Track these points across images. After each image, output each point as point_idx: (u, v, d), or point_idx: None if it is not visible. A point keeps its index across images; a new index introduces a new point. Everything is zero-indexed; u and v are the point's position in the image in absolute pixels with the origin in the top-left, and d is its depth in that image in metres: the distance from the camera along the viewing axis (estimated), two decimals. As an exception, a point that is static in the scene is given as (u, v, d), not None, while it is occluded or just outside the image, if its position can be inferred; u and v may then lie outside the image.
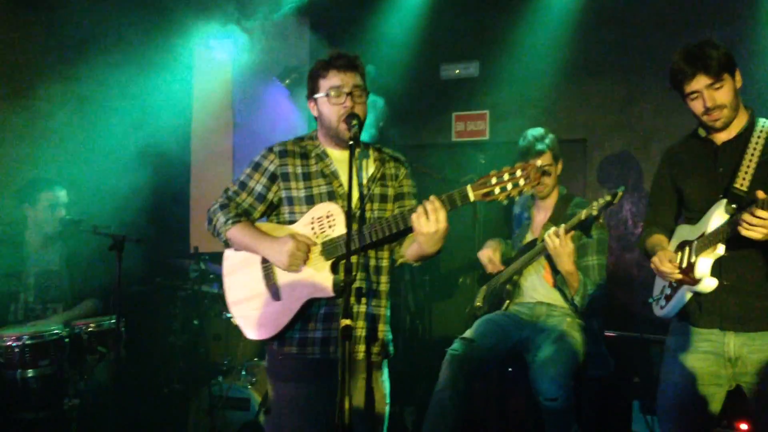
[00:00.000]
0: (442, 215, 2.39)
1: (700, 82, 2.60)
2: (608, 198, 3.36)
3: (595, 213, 3.40)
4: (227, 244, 2.77)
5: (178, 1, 5.08)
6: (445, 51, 5.67)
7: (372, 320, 2.67)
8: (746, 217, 2.37)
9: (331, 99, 2.61)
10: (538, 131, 3.78)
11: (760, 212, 2.33)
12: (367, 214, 2.69)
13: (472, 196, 2.38)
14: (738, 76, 2.64)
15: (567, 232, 3.47)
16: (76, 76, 4.75)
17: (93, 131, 4.72)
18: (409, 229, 2.50)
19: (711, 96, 2.60)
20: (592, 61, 5.11)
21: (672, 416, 2.78)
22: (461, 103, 5.63)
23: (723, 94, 2.60)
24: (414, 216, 2.41)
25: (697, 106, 2.65)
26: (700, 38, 2.69)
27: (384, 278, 2.73)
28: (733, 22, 4.60)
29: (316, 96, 2.67)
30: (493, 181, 2.36)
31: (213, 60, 5.54)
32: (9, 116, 4.44)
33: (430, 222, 2.38)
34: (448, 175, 3.70)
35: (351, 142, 2.47)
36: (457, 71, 5.69)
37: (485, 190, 2.37)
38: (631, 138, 5.01)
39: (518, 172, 2.34)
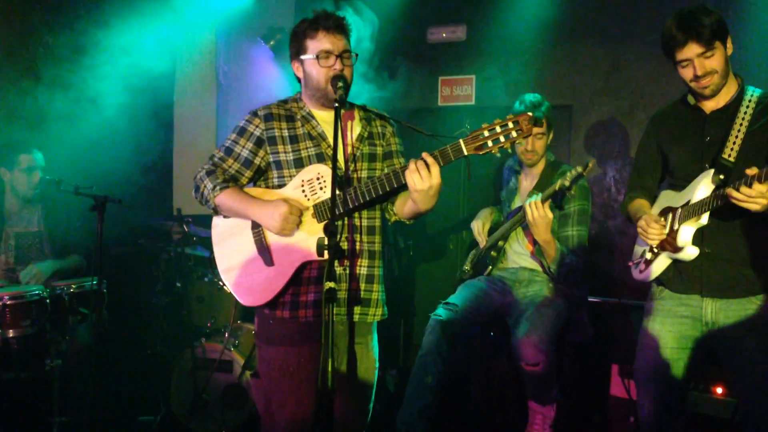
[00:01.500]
0: (435, 171, 2.38)
1: (692, 50, 2.59)
2: (579, 169, 3.40)
3: (567, 184, 3.43)
4: (216, 212, 2.73)
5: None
6: (432, 14, 5.60)
7: (366, 280, 2.67)
8: (730, 191, 2.39)
9: (320, 61, 2.57)
10: (536, 97, 3.77)
11: (745, 189, 2.35)
12: (357, 174, 2.67)
13: (465, 150, 2.38)
14: (729, 44, 2.63)
15: (546, 198, 3.49)
16: (55, 36, 4.66)
17: (74, 92, 4.64)
18: (401, 187, 2.49)
19: (701, 64, 2.60)
20: (579, 26, 5.07)
21: (648, 378, 2.84)
22: (448, 68, 5.58)
23: (714, 62, 2.59)
24: (407, 172, 2.40)
25: (687, 74, 2.65)
26: (692, 3, 2.67)
27: (377, 238, 2.72)
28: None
29: (303, 57, 2.62)
30: (486, 133, 2.35)
31: (196, 20, 5.44)
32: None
33: (423, 178, 2.38)
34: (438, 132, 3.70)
35: (336, 105, 2.44)
36: (444, 35, 5.63)
37: (478, 143, 2.36)
38: (617, 104, 5.00)
39: (510, 124, 2.35)
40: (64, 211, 4.16)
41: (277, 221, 2.53)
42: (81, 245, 4.17)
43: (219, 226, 2.77)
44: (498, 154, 2.39)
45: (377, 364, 2.77)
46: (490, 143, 2.35)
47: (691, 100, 2.79)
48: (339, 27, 2.61)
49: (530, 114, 2.36)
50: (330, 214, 2.34)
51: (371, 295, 2.69)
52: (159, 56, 5.07)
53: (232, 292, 2.73)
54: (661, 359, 2.77)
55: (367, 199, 2.53)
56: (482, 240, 3.97)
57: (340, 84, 2.50)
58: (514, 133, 2.34)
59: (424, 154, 2.40)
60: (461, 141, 2.38)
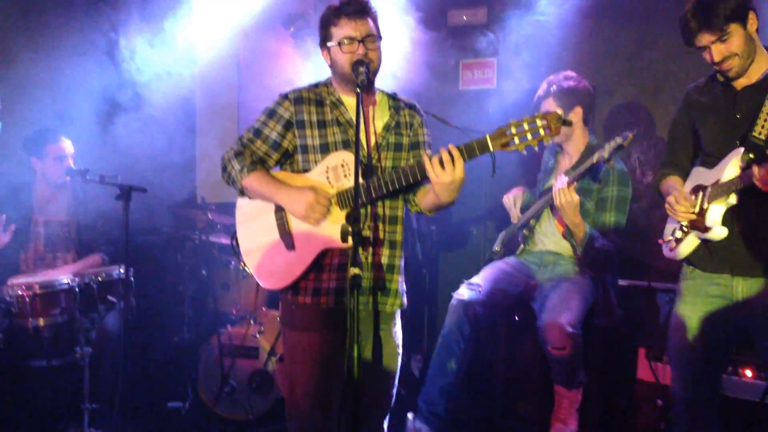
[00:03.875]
0: (459, 165, 2.36)
1: (705, 38, 2.58)
2: (619, 141, 3.31)
3: (606, 156, 3.35)
4: (242, 193, 2.74)
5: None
6: (452, -3, 5.56)
7: (387, 270, 2.67)
8: (758, 171, 2.36)
9: (344, 47, 2.57)
10: (553, 76, 3.74)
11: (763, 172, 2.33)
12: (381, 163, 2.66)
13: (491, 146, 2.35)
14: (752, 20, 2.58)
15: (572, 181, 3.44)
16: (80, 25, 4.69)
17: (97, 81, 4.68)
18: (425, 179, 2.47)
19: (718, 49, 2.58)
20: (602, 7, 4.99)
21: (680, 358, 2.83)
22: (469, 51, 5.53)
23: (731, 45, 2.57)
24: (430, 165, 2.38)
25: (707, 58, 2.64)
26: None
27: (398, 228, 2.72)
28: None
29: (329, 45, 2.62)
30: (513, 130, 2.33)
31: (218, 7, 5.45)
32: (15, 68, 4.39)
33: (446, 171, 2.36)
34: (465, 124, 3.69)
35: (358, 90, 2.43)
36: (465, 17, 5.58)
37: (505, 140, 2.34)
38: (641, 86, 4.93)
39: (539, 122, 2.31)
40: (90, 201, 4.20)
41: (303, 207, 2.54)
42: (107, 235, 4.21)
43: (243, 207, 2.78)
44: (524, 152, 2.37)
45: (400, 350, 2.78)
46: (517, 140, 2.33)
47: (720, 77, 2.75)
48: (362, 11, 2.59)
49: (559, 113, 2.33)
50: (353, 201, 2.34)
51: (391, 285, 2.69)
52: (180, 43, 5.09)
53: (253, 274, 2.75)
54: (692, 339, 2.76)
55: (390, 189, 2.52)
56: (515, 214, 3.93)
57: (362, 69, 2.49)
58: (542, 131, 2.31)
59: (450, 147, 2.38)
60: (488, 136, 2.36)
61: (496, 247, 4.02)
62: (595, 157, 3.39)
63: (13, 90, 4.39)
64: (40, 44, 4.63)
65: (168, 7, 4.92)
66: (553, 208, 3.67)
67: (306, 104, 2.68)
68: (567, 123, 2.38)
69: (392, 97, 2.78)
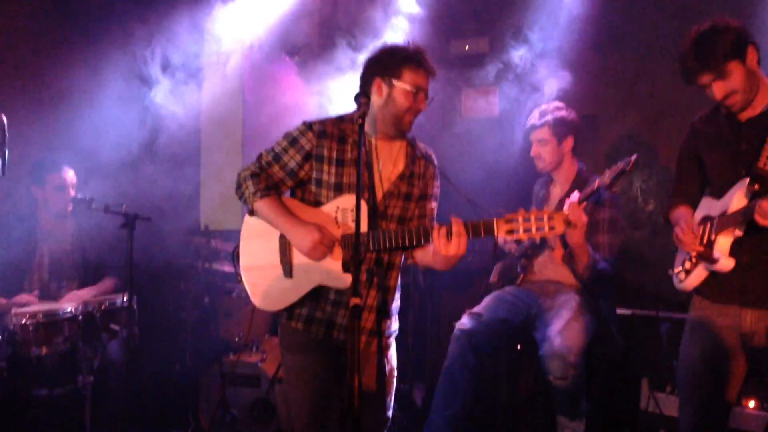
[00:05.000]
0: (462, 242, 2.42)
1: (706, 77, 2.60)
2: (621, 165, 3.31)
3: (608, 181, 3.36)
4: (252, 213, 2.78)
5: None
6: (454, 27, 5.62)
7: (377, 312, 2.71)
8: (764, 205, 2.37)
9: (412, 94, 2.64)
10: (545, 106, 3.80)
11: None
12: (390, 211, 2.71)
13: (497, 231, 2.41)
14: (752, 54, 2.59)
15: (580, 202, 3.43)
16: (85, 52, 4.74)
17: (103, 109, 4.72)
18: (427, 244, 2.55)
19: (719, 87, 2.59)
20: (603, 37, 5.04)
21: (689, 389, 2.81)
22: (471, 80, 5.58)
23: (731, 83, 2.58)
24: (436, 235, 2.44)
25: (710, 95, 2.65)
26: (712, 14, 2.66)
27: (394, 274, 2.78)
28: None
29: (397, 83, 2.65)
30: (520, 220, 2.39)
31: (223, 36, 5.52)
32: (22, 96, 4.44)
33: (451, 245, 2.42)
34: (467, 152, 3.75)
35: (360, 121, 2.46)
36: (467, 47, 5.64)
37: (510, 228, 2.40)
38: (641, 115, 4.96)
39: (545, 218, 2.37)
40: (95, 229, 4.23)
41: (307, 245, 2.59)
42: (112, 263, 4.23)
43: (251, 223, 2.83)
44: (525, 241, 2.44)
45: (395, 373, 2.81)
46: (521, 231, 2.39)
47: (724, 108, 2.76)
48: (432, 71, 2.71)
49: (567, 215, 2.39)
50: (365, 246, 2.46)
51: (381, 326, 2.74)
52: (185, 73, 5.15)
53: (247, 290, 2.80)
54: (701, 369, 2.76)
55: (392, 246, 2.57)
56: (511, 248, 3.94)
57: (363, 101, 2.51)
58: (546, 229, 2.37)
59: (458, 222, 2.43)
60: (495, 221, 2.41)
61: (493, 279, 4.04)
62: (596, 183, 3.40)
63: (23, 120, 4.43)
64: (62, 75, 4.67)
65: (175, 33, 4.98)
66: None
67: (329, 139, 2.70)
68: (571, 225, 2.45)
69: (411, 143, 2.83)
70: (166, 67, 4.89)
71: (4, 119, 2.95)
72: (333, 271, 2.59)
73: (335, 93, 4.87)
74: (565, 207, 3.42)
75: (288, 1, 5.60)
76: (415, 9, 5.44)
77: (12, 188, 4.25)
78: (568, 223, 2.38)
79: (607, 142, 5.06)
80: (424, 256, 2.72)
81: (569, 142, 3.82)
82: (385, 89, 2.67)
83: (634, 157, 3.23)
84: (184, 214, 5.32)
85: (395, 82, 2.65)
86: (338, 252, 2.62)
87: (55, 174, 4.10)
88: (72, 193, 4.11)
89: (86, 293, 4.02)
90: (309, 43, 6.00)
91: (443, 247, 2.42)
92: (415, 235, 2.52)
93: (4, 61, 4.41)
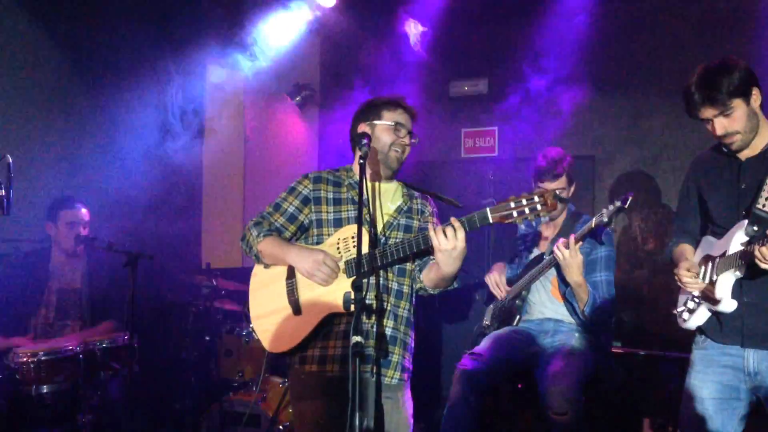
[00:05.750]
0: (461, 234, 2.49)
1: (708, 112, 2.63)
2: (618, 204, 3.36)
3: (605, 220, 3.40)
4: (258, 259, 2.88)
5: (191, 20, 5.15)
6: (453, 68, 5.72)
7: (389, 341, 2.74)
8: (762, 251, 2.39)
9: (395, 131, 2.82)
10: (557, 153, 3.80)
11: (764, 250, 2.36)
12: (391, 241, 2.80)
13: (491, 218, 2.49)
14: (755, 95, 2.63)
15: (577, 242, 3.47)
16: (93, 97, 4.81)
17: (107, 147, 4.77)
18: (429, 250, 2.59)
19: (721, 124, 2.63)
20: (600, 76, 5.13)
21: (694, 429, 2.78)
22: (470, 120, 5.66)
23: (734, 121, 2.62)
24: (433, 233, 2.52)
25: (711, 131, 2.69)
26: (711, 55, 2.71)
27: (403, 303, 2.82)
28: (746, 35, 4.58)
29: (377, 122, 2.84)
30: (512, 205, 2.46)
31: (224, 77, 5.60)
32: (37, 136, 4.48)
33: (449, 239, 2.48)
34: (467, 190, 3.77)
35: (362, 161, 2.62)
36: (466, 88, 5.73)
37: (504, 213, 2.47)
38: (640, 154, 5.02)
39: (536, 198, 2.45)
40: (101, 268, 4.24)
41: (310, 264, 2.67)
42: (116, 302, 4.23)
43: (258, 275, 2.94)
44: (522, 225, 2.49)
45: (410, 421, 2.80)
46: (515, 214, 2.46)
47: (724, 147, 2.78)
48: (414, 115, 2.91)
49: (556, 192, 2.44)
50: (365, 266, 2.49)
51: (392, 357, 2.76)
52: (187, 114, 5.22)
53: (259, 338, 2.86)
54: (704, 410, 2.74)
55: (395, 258, 2.63)
56: (500, 291, 3.96)
57: (365, 141, 2.69)
58: (538, 207, 2.44)
59: (452, 219, 2.52)
60: (488, 209, 2.49)
61: (486, 322, 4.05)
62: (594, 222, 3.43)
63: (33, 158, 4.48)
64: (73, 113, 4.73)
65: (181, 76, 5.06)
66: (557, 269, 3.68)
67: (324, 183, 2.90)
68: (563, 200, 2.51)
69: (408, 186, 3.00)
70: (163, 103, 4.96)
71: (10, 159, 3.00)
72: (339, 296, 2.62)
73: (335, 134, 4.95)
74: (555, 249, 3.47)
75: (290, 43, 5.70)
76: (415, 52, 5.56)
77: (30, 225, 4.27)
78: (557, 197, 2.45)
79: (606, 181, 5.11)
80: (429, 270, 2.80)
81: (574, 187, 3.89)
82: (368, 130, 2.86)
83: (630, 195, 3.29)
84: (186, 252, 5.34)
85: (376, 122, 2.85)
86: (343, 280, 2.68)
87: (69, 210, 4.14)
88: (83, 230, 4.14)
89: (86, 335, 4.02)
90: (310, 84, 6.10)
91: (443, 242, 2.49)
92: (415, 242, 2.61)
93: (31, 99, 4.47)
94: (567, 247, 3.45)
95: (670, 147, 4.88)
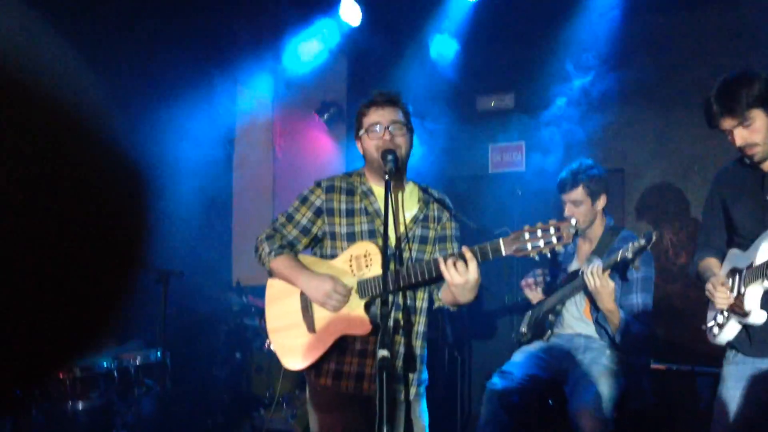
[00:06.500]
0: (472, 266, 2.39)
1: (727, 123, 2.61)
2: (642, 243, 3.30)
3: (630, 256, 3.36)
4: (271, 273, 2.84)
5: (222, 42, 5.26)
6: (480, 83, 5.73)
7: (405, 359, 2.69)
8: None
9: (371, 134, 2.65)
10: (577, 164, 3.76)
11: None
12: (406, 254, 2.71)
13: (504, 251, 2.40)
14: None
15: (604, 271, 3.42)
16: (126, 121, 4.92)
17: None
18: (440, 276, 2.50)
19: (741, 135, 2.60)
20: (629, 89, 5.11)
21: None
22: (497, 135, 5.66)
23: (753, 132, 2.59)
24: (443, 267, 2.42)
25: (731, 141, 2.67)
26: (737, 67, 2.70)
27: (420, 318, 2.75)
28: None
29: (360, 134, 2.73)
30: (527, 236, 2.37)
31: (254, 97, 5.69)
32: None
33: (459, 273, 2.39)
34: (486, 222, 3.74)
35: (386, 177, 2.51)
36: (493, 103, 5.74)
37: (517, 246, 2.38)
38: (670, 167, 4.98)
39: (551, 230, 2.36)
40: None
41: (321, 295, 2.62)
42: (146, 319, 4.30)
43: (273, 287, 2.87)
44: (536, 258, 2.42)
45: (426, 430, 2.78)
46: (529, 246, 2.37)
47: (747, 159, 2.76)
48: (389, 101, 2.69)
49: (571, 222, 2.37)
50: (381, 286, 2.43)
51: (410, 373, 2.70)
52: (218, 134, 5.31)
53: (276, 353, 2.83)
54: (737, 425, 2.70)
55: (408, 283, 2.57)
56: (535, 296, 3.93)
57: (390, 157, 2.55)
58: (554, 240, 2.35)
59: (464, 249, 2.43)
60: (501, 241, 2.40)
61: (523, 329, 4.00)
62: (619, 255, 3.37)
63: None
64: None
65: (212, 96, 5.16)
66: (588, 294, 3.65)
67: (337, 193, 2.77)
68: (579, 233, 2.42)
69: (423, 190, 2.85)
70: (195, 122, 5.05)
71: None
72: (353, 318, 2.60)
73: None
74: (588, 277, 3.41)
75: (317, 62, 5.78)
76: (441, 68, 5.59)
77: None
78: (575, 229, 2.38)
79: (635, 196, 5.07)
80: (446, 293, 2.67)
81: (602, 201, 3.77)
82: (360, 146, 2.76)
83: (654, 236, 3.23)
84: (217, 269, 5.42)
85: (360, 133, 2.72)
86: (356, 300, 2.63)
87: None
88: None
89: (119, 352, 4.08)
90: (337, 102, 6.16)
91: (455, 276, 2.40)
92: (427, 268, 2.51)
93: None
94: (595, 275, 3.39)
95: (700, 159, 4.83)
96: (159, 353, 3.84)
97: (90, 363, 3.79)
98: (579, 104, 5.21)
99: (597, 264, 3.40)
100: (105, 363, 3.79)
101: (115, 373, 3.79)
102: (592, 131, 5.21)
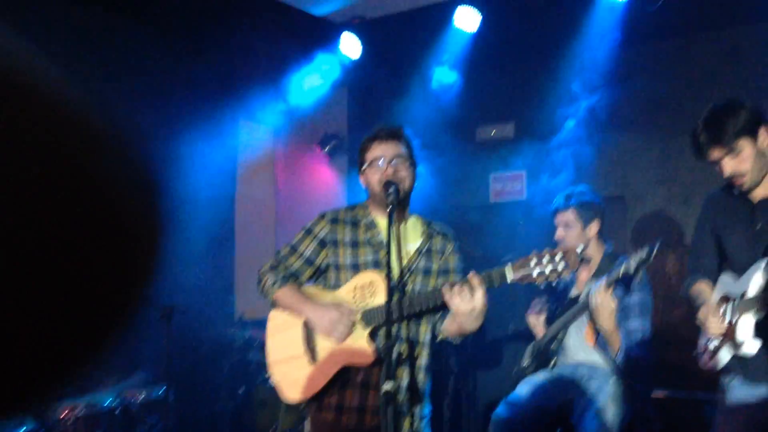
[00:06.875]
0: (479, 293, 2.40)
1: (715, 153, 2.63)
2: (644, 256, 3.30)
3: (632, 271, 3.35)
4: (274, 305, 2.83)
5: (225, 77, 5.31)
6: (480, 113, 5.77)
7: (406, 392, 2.67)
8: None
9: (374, 168, 2.69)
10: (571, 189, 3.81)
11: None
12: (409, 287, 2.72)
13: (510, 277, 2.41)
14: (763, 135, 2.62)
15: (609, 284, 3.41)
16: (124, 149, 4.94)
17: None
18: (444, 305, 2.51)
19: (729, 165, 2.62)
20: (628, 117, 5.14)
21: None
22: (498, 164, 5.69)
23: (741, 162, 2.60)
24: (449, 295, 2.43)
25: (719, 171, 2.68)
26: (737, 92, 2.73)
27: (423, 351, 2.74)
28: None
29: (363, 168, 2.77)
30: (532, 263, 2.39)
31: (257, 130, 5.73)
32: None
33: (465, 300, 2.40)
34: (488, 252, 3.73)
35: (389, 208, 2.54)
36: (493, 132, 5.77)
37: (524, 273, 2.39)
38: (670, 193, 4.99)
39: (557, 257, 2.37)
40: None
41: (326, 324, 2.62)
42: (149, 355, 4.28)
43: (276, 318, 2.87)
44: (542, 286, 2.43)
45: None
46: (535, 273, 2.38)
47: (737, 189, 2.78)
48: (391, 135, 2.74)
49: (578, 250, 2.39)
50: (383, 318, 2.42)
51: (411, 407, 2.68)
52: (220, 168, 5.33)
53: (276, 385, 2.81)
54: None
55: (412, 312, 2.58)
56: (540, 330, 3.92)
57: (391, 189, 2.59)
58: (560, 267, 2.37)
59: (470, 276, 2.44)
60: (507, 267, 2.42)
61: (525, 362, 3.99)
62: (621, 271, 3.37)
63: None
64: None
65: (214, 130, 5.19)
66: (588, 315, 3.64)
67: (341, 224, 2.80)
68: (585, 260, 2.43)
69: (427, 223, 2.88)
70: (197, 156, 5.08)
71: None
72: (356, 349, 2.60)
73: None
74: (591, 294, 3.41)
75: (319, 94, 5.83)
76: (441, 98, 5.64)
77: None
78: (581, 258, 2.38)
79: (635, 222, 5.07)
80: (450, 323, 2.66)
81: (594, 227, 3.80)
82: (364, 180, 2.79)
83: (657, 246, 3.23)
84: (219, 304, 5.40)
85: (363, 168, 2.76)
86: (359, 330, 2.63)
87: None
88: None
89: (122, 389, 4.05)
90: (338, 134, 6.21)
91: (460, 304, 2.40)
92: (431, 297, 2.52)
93: None
94: (599, 291, 3.39)
95: (701, 185, 4.83)
96: (162, 390, 3.81)
97: (93, 400, 3.77)
98: (579, 132, 5.23)
99: (601, 280, 3.40)
100: (108, 400, 3.76)
101: (118, 411, 3.76)
102: (593, 159, 5.23)
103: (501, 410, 3.67)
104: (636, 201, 5.10)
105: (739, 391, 2.71)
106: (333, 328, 2.60)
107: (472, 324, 2.49)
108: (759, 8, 4.59)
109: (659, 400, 3.91)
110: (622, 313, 3.57)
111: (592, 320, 3.59)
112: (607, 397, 3.53)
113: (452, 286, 2.45)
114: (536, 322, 3.94)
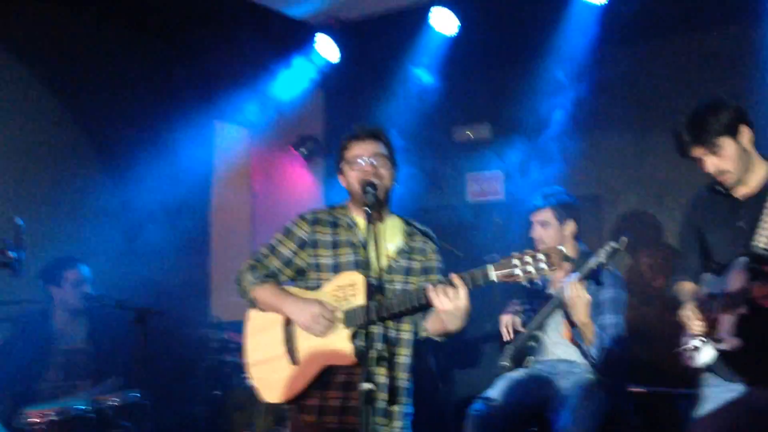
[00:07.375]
0: (462, 293, 2.41)
1: (697, 151, 2.67)
2: (613, 245, 3.36)
3: (603, 261, 3.39)
4: (253, 304, 2.80)
5: (198, 79, 5.27)
6: (456, 114, 5.78)
7: (388, 391, 2.66)
8: (760, 290, 2.39)
9: (353, 166, 2.70)
10: (548, 189, 3.85)
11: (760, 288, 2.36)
12: (390, 285, 2.72)
13: (493, 277, 2.41)
14: (745, 133, 2.66)
15: (582, 278, 3.45)
16: (99, 152, 4.88)
17: (114, 203, 4.82)
18: (428, 305, 2.51)
19: (711, 162, 2.66)
20: (603, 116, 5.17)
21: None
22: (474, 164, 5.70)
23: (723, 160, 2.64)
24: (432, 293, 2.43)
25: (702, 169, 2.71)
26: (712, 93, 2.76)
27: (403, 351, 2.74)
28: (749, 74, 4.61)
29: (342, 167, 2.77)
30: (515, 262, 2.39)
31: (231, 132, 5.69)
32: (45, 197, 4.53)
33: (449, 299, 2.41)
34: (468, 251, 3.73)
35: (367, 209, 2.54)
36: (469, 133, 5.78)
37: (507, 271, 2.40)
38: (645, 192, 5.03)
39: (540, 256, 2.38)
40: (107, 325, 4.23)
41: (308, 318, 2.59)
42: (124, 358, 4.22)
43: (255, 318, 2.84)
44: (526, 284, 2.42)
45: None
46: (518, 272, 2.38)
47: (720, 186, 2.80)
48: (370, 134, 2.75)
49: (562, 250, 2.40)
50: (363, 318, 2.42)
51: (391, 407, 2.68)
52: (195, 170, 5.28)
53: (255, 386, 2.78)
54: None
55: (396, 312, 2.57)
56: (508, 334, 3.92)
57: (369, 189, 2.59)
58: (543, 265, 2.38)
59: (452, 276, 2.44)
60: (490, 267, 2.42)
61: (505, 362, 3.99)
62: (592, 263, 3.42)
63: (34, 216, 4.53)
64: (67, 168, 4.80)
65: (188, 132, 5.14)
66: (564, 310, 3.66)
67: (321, 225, 2.78)
68: (569, 259, 2.44)
69: (407, 222, 2.87)
70: (172, 158, 5.03)
71: (21, 222, 3.03)
72: (337, 348, 2.58)
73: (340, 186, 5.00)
74: (564, 288, 3.44)
75: (294, 95, 5.81)
76: (418, 99, 5.64)
77: (32, 285, 4.28)
78: (565, 257, 2.39)
79: (611, 221, 5.11)
80: (434, 321, 2.67)
81: (570, 226, 3.85)
82: (344, 180, 2.80)
83: (626, 237, 3.30)
84: (195, 306, 5.35)
85: (342, 167, 2.77)
86: (341, 330, 2.61)
87: (72, 270, 4.14)
88: (87, 288, 4.14)
89: (96, 394, 3.99)
90: (314, 136, 6.19)
91: (445, 303, 2.41)
92: (416, 297, 2.52)
93: (39, 160, 4.55)
94: (573, 285, 3.43)
95: (675, 184, 4.88)
96: (138, 393, 3.76)
97: (65, 405, 3.70)
98: (555, 132, 5.26)
99: (574, 275, 3.43)
100: (81, 405, 3.70)
101: (92, 416, 3.69)
102: (568, 158, 5.26)
103: (478, 406, 3.67)
104: (610, 200, 5.13)
105: (718, 389, 2.73)
106: (314, 321, 2.58)
107: (455, 323, 2.49)
108: (733, 11, 4.65)
109: (636, 395, 3.94)
110: (596, 309, 3.61)
111: (567, 315, 3.61)
112: (583, 392, 3.55)
113: (436, 285, 2.44)
114: (508, 322, 3.95)
